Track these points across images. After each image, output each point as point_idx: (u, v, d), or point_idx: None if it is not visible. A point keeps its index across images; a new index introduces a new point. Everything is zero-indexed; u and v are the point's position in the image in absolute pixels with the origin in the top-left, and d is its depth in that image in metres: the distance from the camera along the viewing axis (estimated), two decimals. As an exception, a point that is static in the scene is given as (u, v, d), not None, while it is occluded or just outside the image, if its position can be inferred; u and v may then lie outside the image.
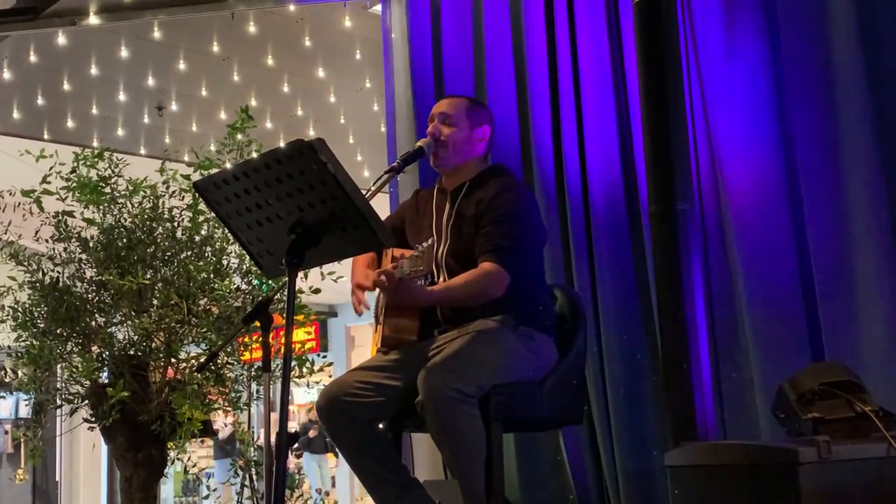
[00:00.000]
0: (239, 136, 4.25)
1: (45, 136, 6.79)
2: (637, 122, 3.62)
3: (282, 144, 2.11)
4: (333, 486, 12.66)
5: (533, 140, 4.02)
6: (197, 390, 3.92)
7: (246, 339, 4.16)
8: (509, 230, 2.74)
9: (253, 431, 4.61)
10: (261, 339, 2.28)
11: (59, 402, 4.11)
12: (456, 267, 2.79)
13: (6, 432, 11.04)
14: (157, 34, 5.60)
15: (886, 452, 2.22)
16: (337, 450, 2.84)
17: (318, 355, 7.97)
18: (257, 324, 2.26)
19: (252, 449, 4.32)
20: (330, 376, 5.58)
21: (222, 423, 9.81)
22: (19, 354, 4.10)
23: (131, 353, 4.04)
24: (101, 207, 4.13)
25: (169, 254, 4.11)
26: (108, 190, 4.15)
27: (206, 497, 11.50)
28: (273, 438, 2.11)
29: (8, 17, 5.19)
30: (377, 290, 2.77)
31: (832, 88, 3.14)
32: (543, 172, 3.96)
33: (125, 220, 4.14)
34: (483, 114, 3.00)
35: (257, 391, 4.40)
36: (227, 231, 3.35)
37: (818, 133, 3.16)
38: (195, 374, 3.91)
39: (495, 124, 3.05)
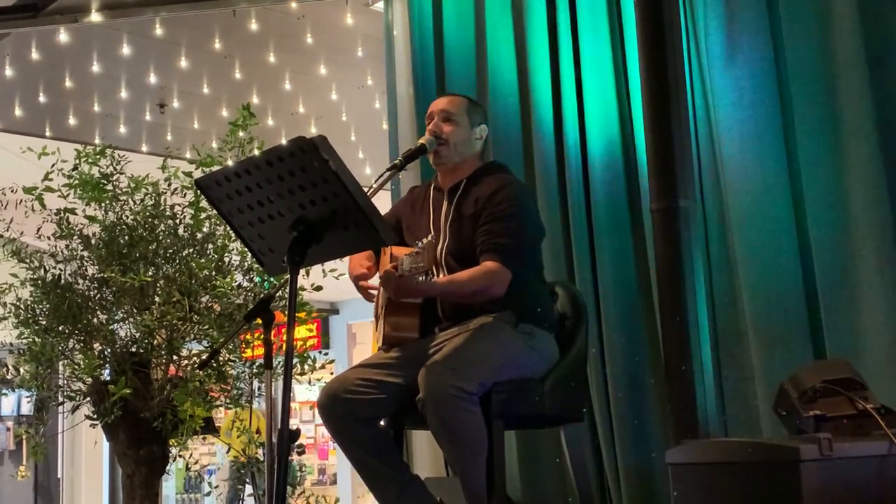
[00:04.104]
0: (241, 134, 4.24)
1: (47, 134, 6.79)
2: (639, 119, 3.62)
3: (283, 142, 2.11)
4: (334, 482, 12.67)
5: (535, 136, 4.02)
6: (199, 387, 3.92)
7: (248, 337, 4.16)
8: (509, 228, 2.75)
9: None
10: (262, 336, 2.28)
11: (60, 399, 4.12)
12: (456, 266, 2.79)
13: (8, 429, 11.04)
14: (158, 31, 5.59)
15: (888, 450, 2.22)
16: (337, 446, 2.85)
17: (320, 352, 7.98)
18: (259, 321, 2.26)
19: (254, 445, 4.32)
20: (331, 373, 5.57)
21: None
22: (21, 351, 4.10)
23: (133, 350, 4.05)
24: (102, 205, 4.13)
25: (171, 251, 4.11)
26: (109, 187, 4.14)
27: (208, 494, 11.51)
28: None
29: (9, 14, 5.19)
30: (378, 285, 2.78)
31: (834, 86, 3.13)
32: (545, 169, 3.96)
33: (127, 217, 4.14)
34: (481, 112, 3.03)
35: (259, 388, 4.40)
36: (228, 228, 3.35)
37: (819, 131, 3.16)
38: (197, 371, 3.91)
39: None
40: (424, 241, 2.51)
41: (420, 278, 2.53)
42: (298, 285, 2.64)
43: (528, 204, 2.89)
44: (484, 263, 2.72)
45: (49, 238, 4.16)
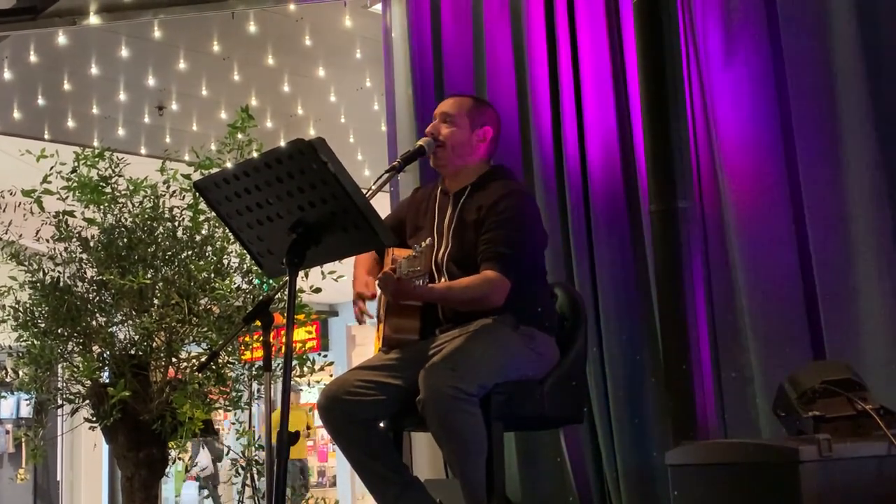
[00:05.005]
0: (239, 136, 4.25)
1: (46, 136, 6.79)
2: (638, 120, 3.62)
3: (282, 144, 2.11)
4: (334, 484, 12.68)
5: (533, 138, 4.02)
6: (198, 390, 3.92)
7: (247, 339, 4.16)
8: (511, 237, 2.74)
9: (254, 431, 4.61)
10: (262, 338, 2.28)
11: (60, 401, 4.12)
12: (457, 271, 2.78)
13: (7, 432, 11.05)
14: (157, 34, 5.60)
15: (887, 451, 2.22)
16: (337, 448, 2.85)
17: (319, 354, 7.98)
18: (258, 323, 2.26)
19: (253, 448, 4.32)
20: (331, 375, 5.57)
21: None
22: (20, 354, 4.10)
23: (132, 352, 4.05)
24: (101, 207, 4.13)
25: (169, 253, 4.11)
26: (108, 190, 4.15)
27: (208, 496, 11.51)
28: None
29: (8, 16, 5.19)
30: (379, 291, 2.78)
31: (832, 87, 3.13)
32: (544, 171, 3.96)
33: (126, 219, 4.14)
34: (486, 114, 2.97)
35: (258, 390, 4.40)
36: (227, 230, 3.35)
37: (818, 132, 3.16)
38: (196, 373, 3.91)
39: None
40: (423, 244, 2.51)
41: (418, 282, 2.53)
42: (297, 287, 2.65)
43: (531, 212, 2.87)
44: (484, 272, 2.71)
45: (48, 240, 4.16)
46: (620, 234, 3.74)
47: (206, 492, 11.28)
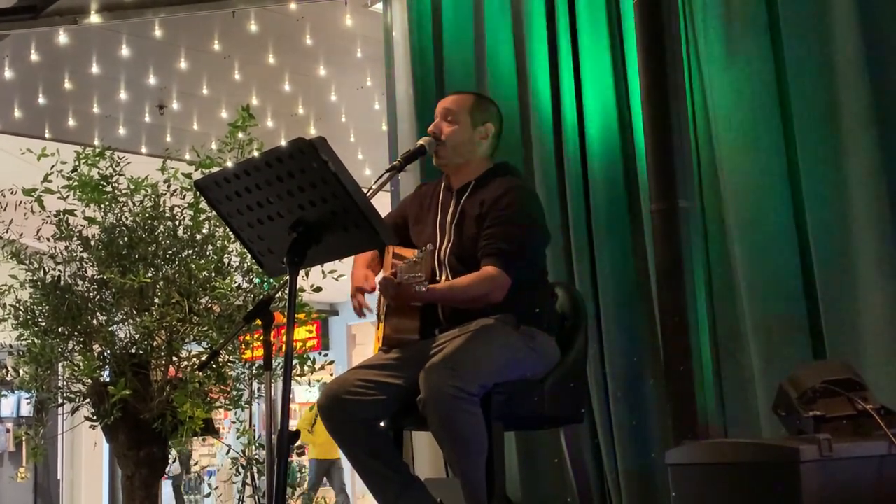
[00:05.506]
0: (240, 135, 4.25)
1: (47, 135, 6.80)
2: (638, 120, 3.62)
3: (283, 143, 2.12)
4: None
5: (534, 138, 4.02)
6: (198, 389, 3.92)
7: (247, 338, 4.17)
8: (512, 233, 2.74)
9: (254, 430, 4.62)
10: (262, 337, 2.28)
11: (60, 400, 4.12)
12: (458, 267, 2.79)
13: (8, 431, 11.06)
14: (157, 32, 5.60)
15: (888, 450, 2.22)
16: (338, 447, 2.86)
17: (320, 353, 7.99)
18: (258, 322, 2.26)
19: (254, 447, 4.33)
20: (331, 374, 5.58)
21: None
22: (21, 353, 4.10)
23: (133, 351, 4.05)
24: (102, 206, 4.13)
25: (170, 252, 4.11)
26: (109, 188, 4.15)
27: (208, 495, 11.52)
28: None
29: (9, 15, 5.19)
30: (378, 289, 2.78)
31: (833, 86, 3.13)
32: (545, 170, 3.96)
33: (126, 218, 4.14)
34: (488, 111, 2.97)
35: (258, 389, 4.41)
36: (228, 229, 3.36)
37: (818, 131, 3.16)
38: (196, 372, 3.91)
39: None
40: (425, 249, 2.50)
41: (418, 288, 2.51)
42: (298, 286, 2.65)
43: (533, 209, 2.86)
44: (484, 269, 2.71)
45: (48, 239, 4.16)
46: (621, 233, 3.74)
47: (206, 490, 11.31)
